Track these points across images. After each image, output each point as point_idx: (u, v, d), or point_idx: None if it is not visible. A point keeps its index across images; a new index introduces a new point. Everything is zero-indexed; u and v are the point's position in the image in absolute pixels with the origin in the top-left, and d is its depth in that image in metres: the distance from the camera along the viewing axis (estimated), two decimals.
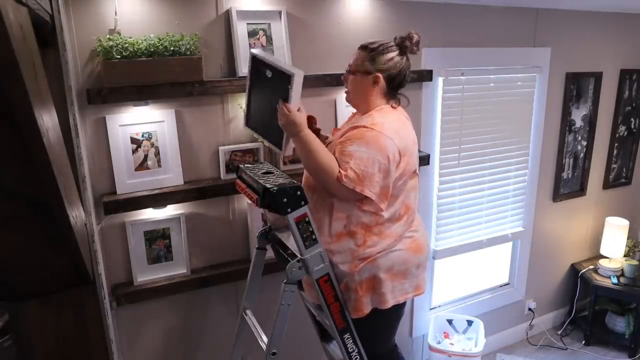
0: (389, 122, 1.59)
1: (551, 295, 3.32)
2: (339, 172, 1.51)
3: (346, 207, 1.58)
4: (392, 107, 1.67)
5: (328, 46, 2.09)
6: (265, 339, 1.64)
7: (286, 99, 1.50)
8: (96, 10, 1.67)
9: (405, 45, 1.64)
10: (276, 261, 1.91)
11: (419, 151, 2.42)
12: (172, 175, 1.88)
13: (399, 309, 1.72)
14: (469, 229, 2.75)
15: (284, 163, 2.06)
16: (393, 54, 1.63)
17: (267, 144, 1.73)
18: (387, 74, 1.63)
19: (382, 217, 1.59)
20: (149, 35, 1.71)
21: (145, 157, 1.84)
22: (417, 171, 1.71)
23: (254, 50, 1.63)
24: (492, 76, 2.62)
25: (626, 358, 3.06)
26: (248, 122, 1.73)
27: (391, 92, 1.68)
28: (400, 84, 1.68)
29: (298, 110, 1.52)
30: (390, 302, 1.63)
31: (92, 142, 1.75)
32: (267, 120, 1.62)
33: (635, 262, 3.09)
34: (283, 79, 1.51)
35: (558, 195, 3.06)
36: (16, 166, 0.82)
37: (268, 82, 1.57)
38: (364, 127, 1.56)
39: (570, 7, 2.71)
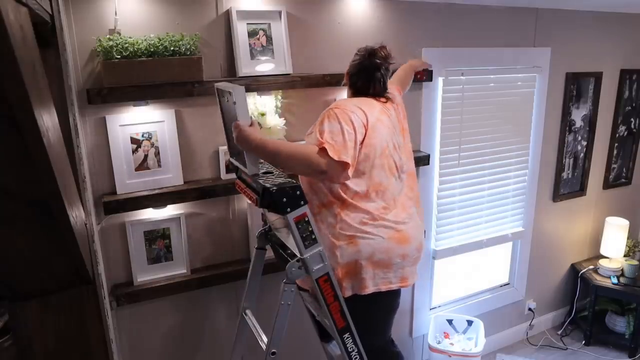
0: (353, 101, 1.73)
1: (551, 295, 3.32)
2: (319, 148, 1.56)
3: (320, 182, 1.68)
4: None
5: (328, 46, 2.09)
6: (265, 338, 1.64)
7: (236, 117, 1.50)
8: (96, 10, 1.67)
9: (373, 52, 1.75)
10: (276, 261, 1.91)
11: (418, 151, 2.43)
12: (172, 175, 1.88)
13: (385, 298, 1.74)
14: (469, 229, 2.75)
15: None
16: (358, 55, 1.77)
17: (243, 169, 1.68)
18: (350, 73, 1.80)
19: (351, 190, 1.65)
20: (149, 35, 1.71)
21: (145, 157, 1.84)
22: (390, 152, 1.73)
23: (217, 83, 1.65)
24: (492, 76, 2.62)
25: (626, 358, 3.06)
26: (231, 155, 1.73)
27: (358, 92, 1.80)
28: (359, 82, 1.78)
29: (251, 125, 1.53)
30: (370, 287, 1.66)
31: (92, 142, 1.75)
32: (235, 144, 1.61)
33: (635, 262, 3.09)
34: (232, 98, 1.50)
35: (558, 195, 3.06)
36: (16, 166, 0.82)
37: (229, 107, 1.58)
38: (330, 108, 1.68)
39: (570, 7, 2.71)
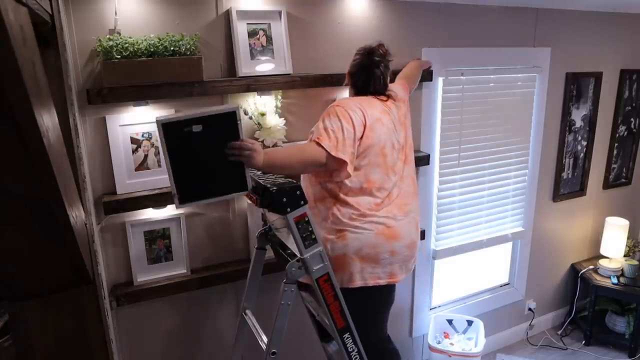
0: (354, 100, 1.78)
1: (551, 295, 3.32)
2: (317, 140, 1.63)
3: (319, 176, 1.74)
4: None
5: (328, 46, 2.09)
6: (265, 338, 1.64)
7: (237, 136, 1.46)
8: (96, 10, 1.67)
9: (371, 50, 1.80)
10: (276, 261, 1.91)
11: (418, 151, 2.43)
12: None
13: (375, 293, 1.76)
14: (469, 229, 2.75)
15: None
16: (358, 55, 1.82)
17: (220, 199, 1.57)
18: (351, 73, 1.85)
19: (345, 185, 1.70)
20: (149, 35, 1.71)
21: (145, 157, 1.84)
22: (388, 151, 1.76)
23: (159, 117, 1.41)
24: (492, 76, 2.62)
25: (626, 358, 3.06)
26: (183, 200, 1.48)
27: (359, 91, 1.84)
28: (359, 81, 1.83)
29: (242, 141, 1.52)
30: (357, 281, 1.71)
31: (92, 142, 1.75)
32: (213, 177, 1.50)
33: (635, 262, 3.09)
34: (223, 121, 1.43)
35: (558, 195, 3.06)
36: (16, 166, 0.82)
37: (199, 137, 1.43)
38: (331, 106, 1.74)
39: (570, 7, 2.71)
